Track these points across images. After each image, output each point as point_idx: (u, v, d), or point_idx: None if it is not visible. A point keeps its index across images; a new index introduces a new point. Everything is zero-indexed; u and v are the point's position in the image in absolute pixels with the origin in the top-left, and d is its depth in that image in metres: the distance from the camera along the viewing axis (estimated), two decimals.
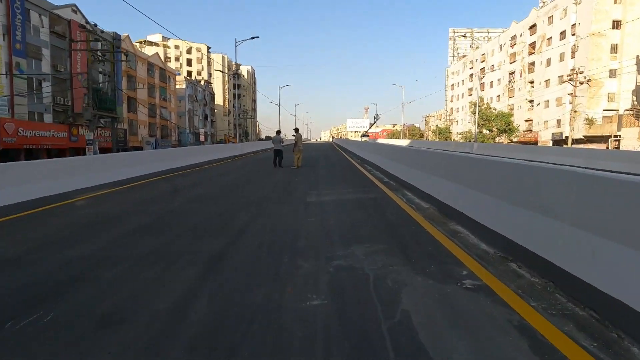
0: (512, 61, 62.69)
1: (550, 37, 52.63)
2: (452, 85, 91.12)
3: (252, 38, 33.37)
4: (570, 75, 42.00)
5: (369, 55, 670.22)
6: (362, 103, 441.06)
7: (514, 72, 62.42)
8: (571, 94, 47.65)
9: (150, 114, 56.31)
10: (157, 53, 57.98)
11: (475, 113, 43.33)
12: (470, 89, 79.93)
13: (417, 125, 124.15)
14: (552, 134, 50.73)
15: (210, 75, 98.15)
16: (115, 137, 24.75)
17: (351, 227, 5.35)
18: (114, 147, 24.27)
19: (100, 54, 22.65)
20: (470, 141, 51.43)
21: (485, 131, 52.08)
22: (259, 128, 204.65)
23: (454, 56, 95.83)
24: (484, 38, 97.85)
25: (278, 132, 16.33)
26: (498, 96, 67.32)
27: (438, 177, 7.00)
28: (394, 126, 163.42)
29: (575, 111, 40.26)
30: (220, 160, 20.94)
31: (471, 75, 79.66)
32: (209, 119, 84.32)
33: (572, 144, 41.15)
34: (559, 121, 50.32)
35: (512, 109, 61.64)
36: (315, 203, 7.36)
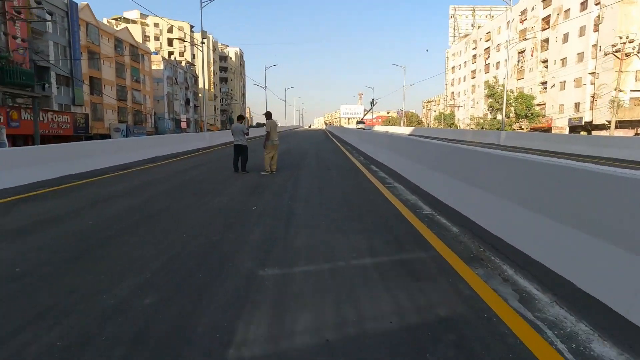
0: (522, 39, 56.97)
1: (568, 9, 46.93)
2: (453, 67, 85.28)
3: None
4: (614, 45, 36.08)
5: (364, 39, 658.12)
6: (355, 89, 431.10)
7: (523, 51, 56.80)
8: (593, 73, 42.40)
9: (121, 97, 50.05)
10: (126, 27, 51.26)
11: (490, 95, 37.89)
12: (474, 71, 74.31)
13: (413, 111, 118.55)
14: (570, 119, 45.52)
15: (194, 56, 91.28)
16: (39, 123, 18.85)
17: None
18: (37, 135, 18.39)
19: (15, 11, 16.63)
20: (482, 129, 45.95)
21: (499, 116, 46.48)
22: (250, 114, 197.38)
23: (454, 36, 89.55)
24: (486, 16, 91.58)
25: (240, 117, 10.76)
26: (504, 78, 61.77)
27: None
28: (388, 112, 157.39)
29: (619, 90, 34.56)
30: (172, 157, 15.39)
31: (474, 56, 73.92)
32: (191, 104, 77.87)
33: (611, 129, 35.72)
34: (577, 105, 45.09)
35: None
36: None
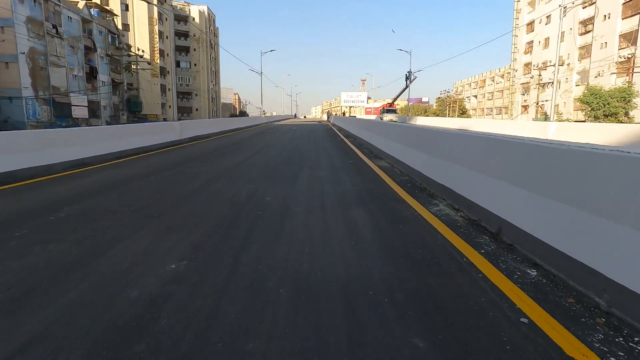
0: None
1: None
2: (531, 23, 53.79)
3: None
4: None
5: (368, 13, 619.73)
6: (356, 75, 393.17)
7: None
8: None
9: None
10: None
11: None
12: (585, 22, 42.98)
13: (421, 99, 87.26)
14: None
15: (126, 7, 59.46)
16: None
17: None
18: None
19: None
20: None
21: None
22: (238, 100, 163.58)
23: None
24: None
25: None
26: None
27: None
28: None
29: None
30: None
31: None
32: (104, 78, 46.24)
33: None
34: None
35: None
36: None
